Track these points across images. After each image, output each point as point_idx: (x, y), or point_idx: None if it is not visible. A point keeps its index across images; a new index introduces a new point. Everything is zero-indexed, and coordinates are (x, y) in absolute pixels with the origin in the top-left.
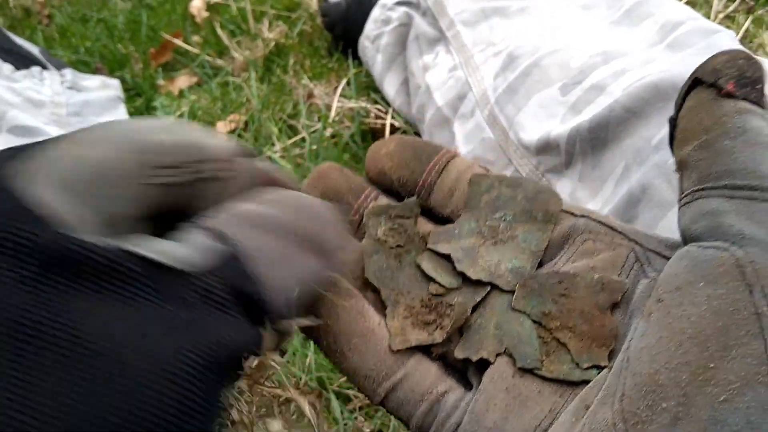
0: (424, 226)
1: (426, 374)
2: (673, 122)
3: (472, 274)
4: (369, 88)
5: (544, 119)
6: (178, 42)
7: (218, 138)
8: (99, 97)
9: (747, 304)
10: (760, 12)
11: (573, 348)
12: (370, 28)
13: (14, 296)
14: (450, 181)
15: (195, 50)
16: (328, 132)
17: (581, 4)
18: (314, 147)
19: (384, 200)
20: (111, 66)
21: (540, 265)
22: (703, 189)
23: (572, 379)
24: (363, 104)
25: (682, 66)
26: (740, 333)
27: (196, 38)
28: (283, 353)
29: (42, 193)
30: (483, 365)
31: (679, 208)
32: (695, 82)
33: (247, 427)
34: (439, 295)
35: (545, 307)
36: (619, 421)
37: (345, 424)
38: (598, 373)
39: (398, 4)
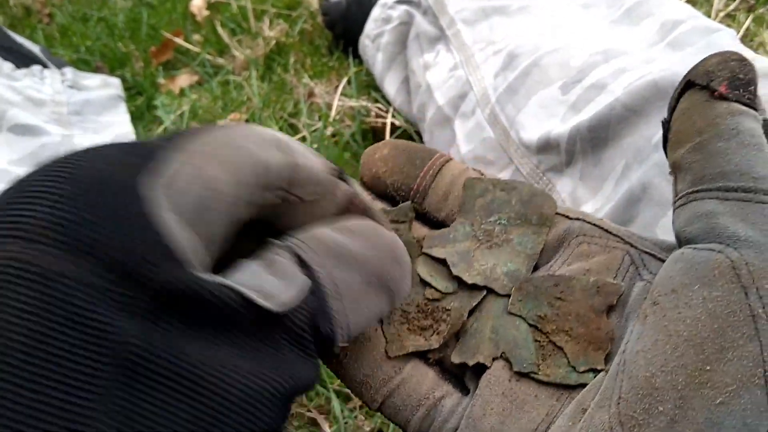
0: (419, 230)
1: (423, 379)
2: (667, 124)
3: (468, 279)
4: (370, 86)
5: (545, 118)
6: (179, 41)
7: (315, 156)
8: (100, 96)
9: (742, 306)
10: (760, 11)
11: (569, 351)
12: (370, 26)
13: (134, 326)
14: (444, 185)
15: (196, 49)
16: (329, 131)
17: (581, 3)
18: (315, 146)
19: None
20: (111, 65)
21: (535, 268)
22: (697, 191)
23: (569, 382)
24: (364, 103)
25: (682, 65)
26: (736, 335)
27: (196, 37)
28: None
29: (166, 220)
30: (479, 370)
31: (674, 211)
32: (688, 84)
33: None
34: (435, 300)
35: (541, 311)
36: (616, 425)
37: (345, 423)
38: (595, 377)
39: (399, 2)
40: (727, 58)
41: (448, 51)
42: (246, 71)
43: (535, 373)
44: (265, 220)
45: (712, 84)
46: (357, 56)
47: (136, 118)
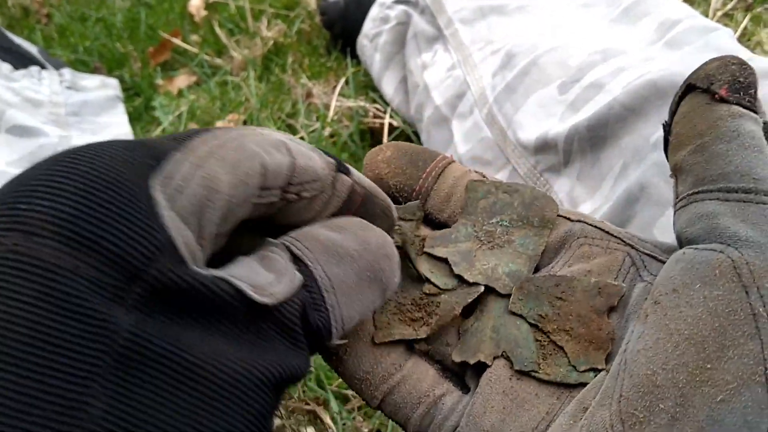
0: (421, 230)
1: (423, 377)
2: (668, 127)
3: (469, 278)
4: (367, 87)
5: (543, 118)
6: (177, 41)
7: (316, 154)
8: (98, 97)
9: (743, 305)
10: (758, 10)
11: (570, 351)
12: (368, 26)
13: (129, 317)
14: (447, 186)
15: (194, 49)
16: (327, 131)
17: (580, 2)
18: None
19: None
20: (110, 65)
21: (536, 269)
22: (698, 192)
23: (569, 381)
24: (361, 103)
25: (680, 64)
26: (737, 334)
27: (194, 37)
28: None
29: (163, 216)
30: (480, 368)
31: (675, 212)
32: (689, 87)
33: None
34: (431, 295)
35: (542, 310)
36: (617, 423)
37: (344, 424)
38: (595, 376)
39: (397, 2)
40: (727, 61)
41: (445, 51)
42: (244, 72)
43: (536, 372)
44: (266, 217)
45: (713, 87)
46: (355, 56)
47: (134, 118)
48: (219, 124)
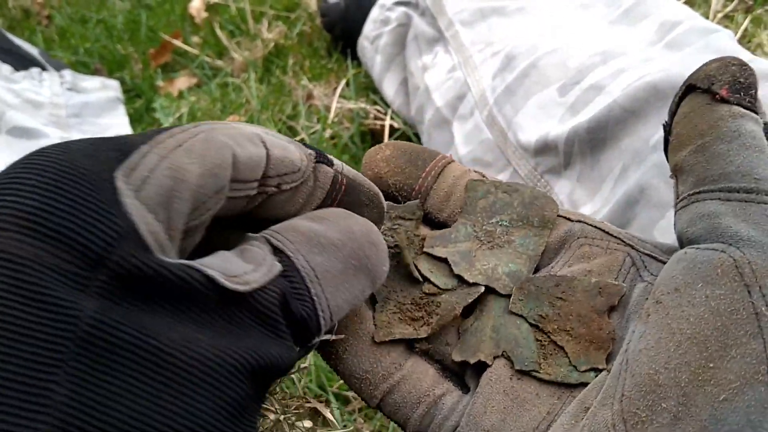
0: (420, 230)
1: (423, 377)
2: (668, 128)
3: (469, 278)
4: (368, 88)
5: (543, 120)
6: (178, 43)
7: (293, 145)
8: (98, 98)
9: (746, 305)
10: (758, 11)
11: (570, 351)
12: (369, 28)
13: (93, 304)
14: (446, 186)
15: (194, 51)
16: (328, 133)
17: (580, 3)
18: None
19: None
20: (110, 67)
21: (536, 269)
22: (699, 192)
23: (570, 381)
24: (362, 105)
25: (680, 65)
26: (739, 333)
27: (195, 39)
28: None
29: (127, 205)
30: (480, 368)
31: (676, 212)
32: (689, 88)
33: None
34: (431, 295)
35: (542, 310)
36: (618, 422)
37: (344, 426)
38: (596, 376)
39: (397, 4)
40: (727, 62)
41: (446, 52)
42: (245, 73)
43: (537, 372)
44: (249, 213)
45: (713, 87)
46: (355, 58)
47: (134, 120)
48: None
